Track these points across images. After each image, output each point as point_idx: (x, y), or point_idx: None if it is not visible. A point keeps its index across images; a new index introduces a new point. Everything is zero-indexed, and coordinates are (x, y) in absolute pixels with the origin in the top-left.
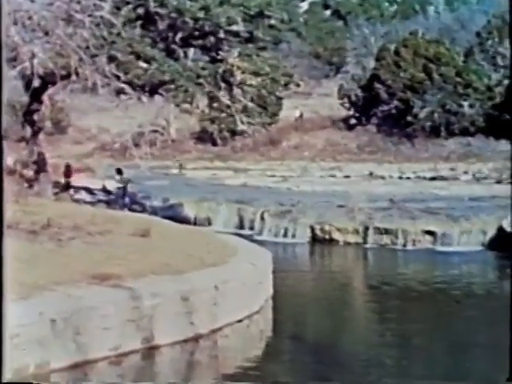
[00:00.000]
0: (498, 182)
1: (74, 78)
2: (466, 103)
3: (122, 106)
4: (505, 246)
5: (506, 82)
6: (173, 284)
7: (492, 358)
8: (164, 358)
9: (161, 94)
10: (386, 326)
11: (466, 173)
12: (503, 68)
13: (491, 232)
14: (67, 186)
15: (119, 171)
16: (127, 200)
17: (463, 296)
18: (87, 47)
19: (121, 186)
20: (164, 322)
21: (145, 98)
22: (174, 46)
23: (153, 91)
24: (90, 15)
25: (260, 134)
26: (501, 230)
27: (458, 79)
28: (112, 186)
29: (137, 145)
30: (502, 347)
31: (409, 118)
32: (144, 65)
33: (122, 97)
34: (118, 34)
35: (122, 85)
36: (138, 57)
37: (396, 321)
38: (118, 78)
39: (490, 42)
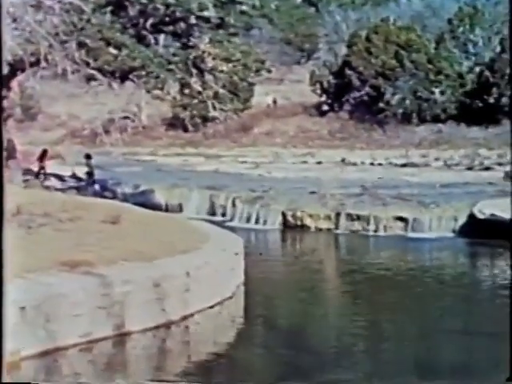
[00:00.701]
0: (469, 168)
1: (43, 64)
2: (437, 90)
3: (92, 92)
4: (475, 232)
5: (477, 69)
6: (144, 270)
7: (463, 342)
8: (135, 344)
9: (132, 80)
10: (356, 312)
11: (437, 159)
12: (474, 55)
13: (462, 219)
14: (40, 172)
15: (88, 156)
16: (97, 186)
17: (434, 282)
18: (57, 34)
19: (88, 170)
20: (135, 308)
21: (115, 85)
22: (144, 32)
23: (123, 77)
24: (59, 1)
25: (232, 120)
26: (472, 216)
27: (430, 66)
28: (82, 172)
29: (107, 131)
30: (471, 333)
31: (380, 105)
32: (114, 51)
33: (93, 83)
34: (88, 21)
35: (92, 71)
36: (108, 43)
37: (366, 308)
38: (87, 64)
39: (461, 29)
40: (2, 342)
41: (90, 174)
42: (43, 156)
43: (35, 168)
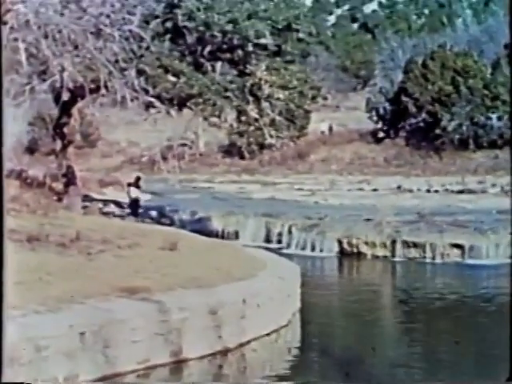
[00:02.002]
0: None
1: (103, 91)
2: (494, 116)
3: (150, 119)
4: None
5: None
6: (201, 297)
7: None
8: (192, 371)
9: (189, 108)
10: (411, 341)
11: (493, 185)
12: None
13: None
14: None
15: (136, 184)
16: (154, 213)
17: (492, 309)
18: (116, 61)
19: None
20: (192, 335)
21: (173, 112)
22: (202, 60)
23: (181, 105)
24: (119, 29)
25: (288, 147)
26: None
27: (486, 92)
28: (141, 199)
29: (165, 158)
30: None
31: (437, 131)
32: (172, 78)
33: (151, 110)
34: (147, 48)
35: (151, 98)
36: (167, 70)
37: (422, 337)
38: (146, 91)
39: None
40: (1, 342)
41: (136, 201)
42: (137, 181)
43: (95, 195)
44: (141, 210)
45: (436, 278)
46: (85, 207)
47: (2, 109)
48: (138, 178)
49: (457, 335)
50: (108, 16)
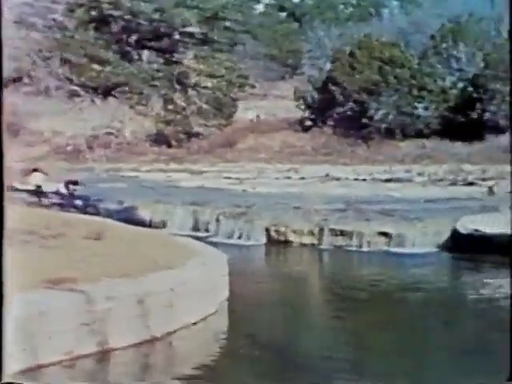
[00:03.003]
0: (453, 183)
1: (26, 80)
2: (420, 105)
3: (75, 108)
4: (459, 247)
5: (460, 84)
6: (128, 287)
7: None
8: (118, 360)
9: (115, 97)
10: (340, 326)
11: (420, 174)
12: (457, 71)
13: (446, 234)
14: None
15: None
16: (80, 202)
17: (417, 295)
18: (40, 50)
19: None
20: (119, 325)
21: (99, 101)
22: (128, 48)
23: (107, 93)
24: (42, 18)
25: (216, 135)
26: (455, 231)
27: (413, 81)
28: (63, 188)
29: (91, 147)
30: (456, 347)
31: (364, 120)
32: (98, 67)
33: (76, 99)
34: (72, 37)
35: (76, 87)
36: (92, 59)
37: (350, 322)
38: (71, 80)
39: (444, 45)
40: (1, 342)
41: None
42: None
43: (19, 185)
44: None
45: (362, 265)
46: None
47: (2, 109)
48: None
49: (384, 324)
50: (31, 5)
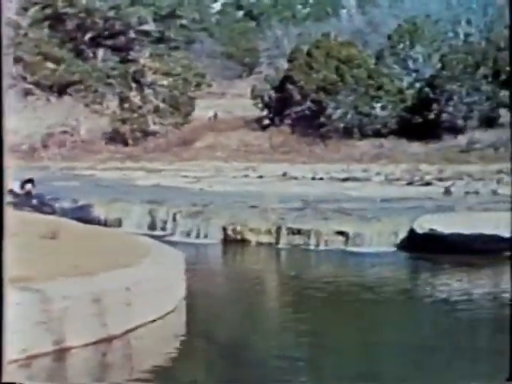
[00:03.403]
0: (410, 183)
1: None
2: (378, 105)
3: (30, 107)
4: (416, 247)
5: (417, 85)
6: (83, 285)
7: (400, 355)
8: (76, 359)
9: (70, 95)
10: (295, 325)
11: (378, 174)
12: (414, 71)
13: (403, 233)
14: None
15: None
16: (35, 201)
17: (375, 296)
18: None
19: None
20: (75, 323)
21: (53, 99)
22: (82, 47)
23: (62, 92)
24: None
25: (173, 134)
26: (412, 231)
27: (370, 81)
28: (18, 188)
29: (46, 146)
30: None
31: (322, 119)
32: (52, 65)
33: (30, 98)
34: (25, 35)
35: (30, 86)
36: (46, 57)
37: (307, 321)
38: (24, 78)
39: (401, 45)
40: (1, 342)
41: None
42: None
43: None
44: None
45: (320, 264)
46: None
47: (2, 109)
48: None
49: (340, 323)
50: None
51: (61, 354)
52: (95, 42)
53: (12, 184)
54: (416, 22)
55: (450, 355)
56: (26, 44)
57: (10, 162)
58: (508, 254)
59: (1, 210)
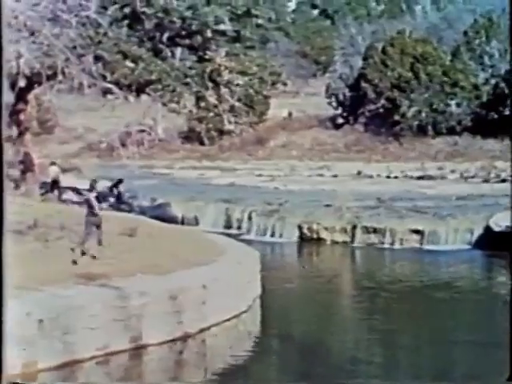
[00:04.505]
0: (485, 180)
1: (60, 77)
2: (452, 102)
3: (108, 105)
4: (491, 244)
5: (492, 81)
6: (161, 283)
7: (482, 355)
8: (152, 357)
9: (148, 94)
10: (372, 326)
11: (453, 172)
12: (490, 67)
13: (478, 231)
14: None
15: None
16: (113, 199)
17: (452, 295)
18: (74, 47)
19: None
20: (152, 321)
21: (132, 98)
22: (161, 46)
23: (140, 91)
24: (76, 15)
25: (247, 133)
26: (488, 228)
27: (445, 78)
28: (99, 186)
29: (124, 144)
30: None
31: (396, 117)
32: (131, 64)
33: (109, 96)
34: (105, 34)
35: (109, 85)
36: (125, 56)
37: (381, 321)
38: (104, 77)
39: (477, 41)
40: (2, 342)
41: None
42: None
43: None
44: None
45: (395, 263)
46: (42, 194)
47: (2, 109)
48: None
49: (417, 321)
50: (65, 2)
51: (137, 351)
52: (173, 42)
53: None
54: (492, 16)
55: None
56: (106, 43)
57: (89, 159)
58: None
59: (1, 211)
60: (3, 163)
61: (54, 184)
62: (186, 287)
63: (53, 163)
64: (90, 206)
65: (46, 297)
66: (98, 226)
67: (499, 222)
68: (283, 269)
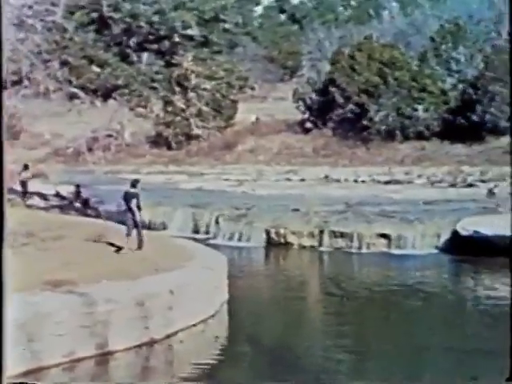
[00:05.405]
0: (452, 185)
1: (25, 83)
2: (420, 107)
3: (75, 110)
4: (459, 249)
5: (460, 86)
6: (128, 289)
7: (446, 359)
8: (118, 363)
9: (114, 98)
10: (339, 329)
11: (420, 176)
12: (457, 73)
13: (445, 235)
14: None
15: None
16: (79, 205)
17: (417, 298)
18: (39, 52)
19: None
20: (118, 327)
21: (98, 103)
22: (128, 50)
23: (106, 95)
24: (41, 20)
25: (215, 137)
26: (455, 233)
27: (413, 83)
28: (65, 191)
29: (90, 149)
30: (462, 349)
31: (364, 122)
32: (97, 69)
33: (75, 101)
34: (71, 39)
35: (75, 89)
36: (91, 61)
37: (351, 325)
38: (70, 82)
39: (443, 46)
40: (2, 342)
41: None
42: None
43: (18, 187)
44: (66, 202)
45: (363, 268)
46: (9, 200)
47: (2, 109)
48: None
49: (384, 325)
50: (30, 7)
51: (104, 357)
52: (140, 47)
53: (59, 188)
54: (458, 22)
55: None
56: (72, 48)
57: (54, 165)
58: None
59: (1, 211)
60: (3, 163)
61: (23, 188)
62: (153, 293)
63: (26, 166)
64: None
65: (11, 304)
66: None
67: (466, 227)
68: (250, 273)
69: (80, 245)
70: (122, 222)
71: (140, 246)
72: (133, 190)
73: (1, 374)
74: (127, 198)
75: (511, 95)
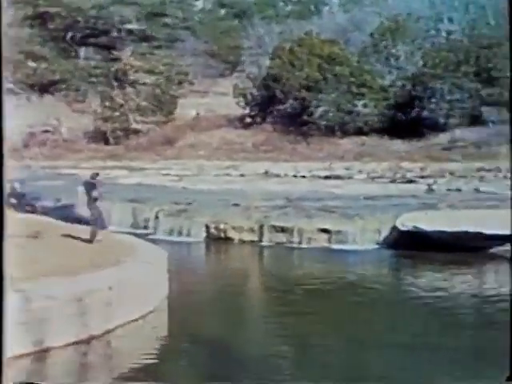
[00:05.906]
0: (392, 181)
1: None
2: (360, 103)
3: (10, 106)
4: (398, 244)
5: (399, 82)
6: (65, 285)
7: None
8: (56, 360)
9: (51, 94)
10: (280, 322)
11: (360, 172)
12: (397, 69)
13: (386, 231)
14: None
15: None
16: (14, 200)
17: (357, 292)
18: None
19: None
20: (56, 324)
21: (35, 98)
22: (65, 45)
23: (43, 91)
24: None
25: (155, 132)
26: (395, 228)
27: (352, 79)
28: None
29: (27, 145)
30: (404, 345)
31: (304, 117)
32: (33, 64)
33: (11, 97)
34: (5, 34)
35: (10, 85)
36: (27, 56)
37: (291, 320)
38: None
39: (383, 43)
40: (2, 343)
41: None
42: None
43: None
44: None
45: (303, 262)
46: None
47: (2, 109)
48: None
49: (325, 320)
50: None
51: (41, 354)
52: (77, 41)
53: None
54: (398, 19)
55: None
56: (7, 43)
57: None
58: (491, 251)
59: (1, 211)
60: (3, 163)
61: None
62: (92, 289)
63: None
64: None
65: None
66: None
67: (405, 223)
68: (190, 269)
69: (16, 241)
70: (59, 218)
71: (91, 240)
72: (93, 181)
73: (1, 371)
74: (87, 188)
75: (511, 95)
